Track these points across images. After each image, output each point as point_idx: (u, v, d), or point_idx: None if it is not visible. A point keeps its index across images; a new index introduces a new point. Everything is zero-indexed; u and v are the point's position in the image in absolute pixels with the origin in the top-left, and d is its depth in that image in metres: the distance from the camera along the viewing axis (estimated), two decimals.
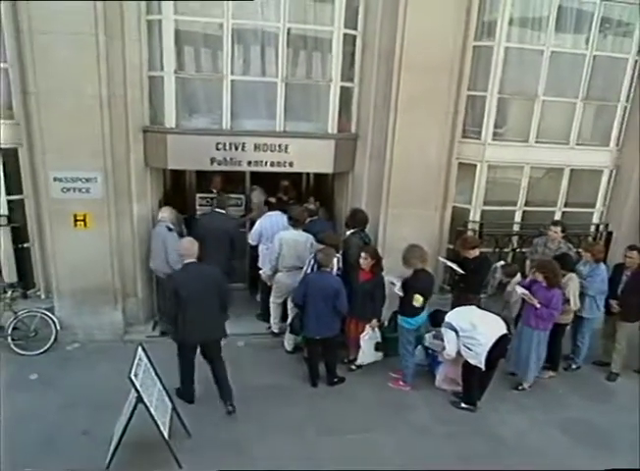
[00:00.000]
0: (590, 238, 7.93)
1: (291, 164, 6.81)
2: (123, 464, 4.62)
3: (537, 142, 7.47)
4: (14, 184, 6.46)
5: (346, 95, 6.90)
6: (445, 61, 6.62)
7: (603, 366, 6.89)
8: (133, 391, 4.50)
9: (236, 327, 7.30)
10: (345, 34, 6.57)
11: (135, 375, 4.48)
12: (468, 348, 5.57)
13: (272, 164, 6.76)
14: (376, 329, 6.31)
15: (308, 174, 9.04)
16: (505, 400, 6.13)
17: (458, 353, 5.67)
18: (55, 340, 6.50)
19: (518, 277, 6.78)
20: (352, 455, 5.09)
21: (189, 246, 5.35)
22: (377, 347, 6.39)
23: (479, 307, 6.04)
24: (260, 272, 7.05)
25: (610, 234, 8.05)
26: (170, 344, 5.60)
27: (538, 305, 5.87)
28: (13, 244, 6.62)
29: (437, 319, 5.93)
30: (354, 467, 4.87)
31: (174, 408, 5.08)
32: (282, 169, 6.85)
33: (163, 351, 5.61)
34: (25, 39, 5.76)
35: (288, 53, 6.50)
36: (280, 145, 6.68)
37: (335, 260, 6.10)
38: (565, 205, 7.89)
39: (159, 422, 4.55)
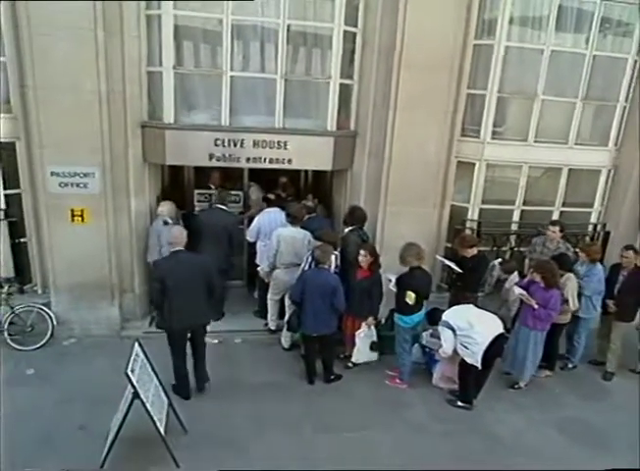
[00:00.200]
0: (588, 238, 7.94)
1: (289, 161, 6.80)
2: (119, 460, 4.62)
3: (536, 142, 7.46)
4: (11, 179, 6.44)
5: (345, 92, 6.89)
6: (445, 59, 6.60)
7: (598, 365, 6.91)
8: (129, 386, 4.49)
9: (233, 323, 7.35)
10: (344, 31, 6.55)
11: (132, 370, 4.47)
12: (465, 347, 5.58)
13: (271, 161, 6.75)
14: (372, 327, 6.32)
15: (307, 171, 9.03)
16: (501, 399, 6.14)
17: (455, 352, 5.68)
18: (52, 335, 6.50)
19: (516, 275, 6.79)
20: (349, 453, 5.10)
21: (178, 235, 5.43)
22: (372, 347, 6.39)
23: (476, 306, 6.05)
24: (258, 269, 7.05)
25: (607, 233, 8.05)
26: (166, 340, 5.60)
27: (536, 306, 5.88)
28: (10, 239, 6.60)
29: (434, 317, 5.94)
30: (351, 466, 4.88)
31: (170, 404, 5.08)
32: (281, 166, 6.84)
33: (159, 347, 5.61)
34: (23, 33, 5.73)
35: (287, 50, 6.49)
36: (279, 142, 6.67)
37: (333, 257, 6.09)
38: (564, 205, 7.89)
39: (155, 418, 4.55)
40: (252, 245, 7.38)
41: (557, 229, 6.88)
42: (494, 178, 7.61)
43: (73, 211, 6.30)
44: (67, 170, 6.15)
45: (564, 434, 5.65)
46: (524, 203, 7.74)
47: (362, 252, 6.13)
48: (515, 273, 6.81)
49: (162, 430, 4.61)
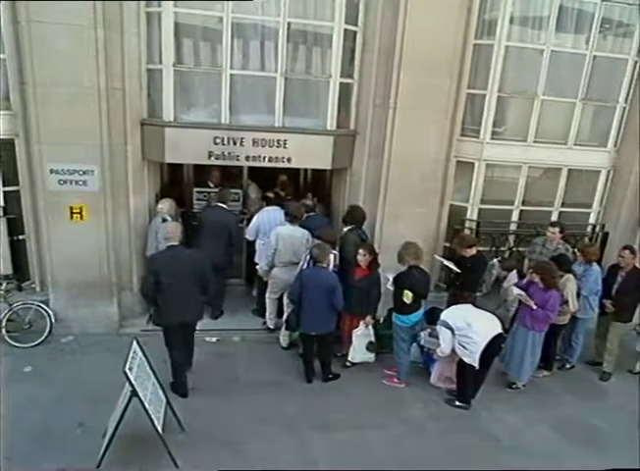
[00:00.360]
0: (586, 239, 7.95)
1: (289, 159, 6.79)
2: (116, 458, 4.61)
3: (535, 142, 7.46)
4: (10, 176, 6.43)
5: (345, 91, 6.89)
6: (445, 59, 6.59)
7: (595, 366, 6.93)
8: (127, 384, 4.49)
9: (231, 322, 7.35)
10: (345, 30, 6.55)
11: (130, 369, 4.46)
12: (463, 347, 5.59)
13: (270, 159, 6.74)
14: (370, 327, 6.32)
15: (306, 170, 9.03)
16: (498, 399, 6.15)
17: (453, 351, 5.68)
18: (50, 332, 6.49)
19: (515, 274, 6.78)
20: (346, 452, 5.11)
21: (174, 229, 5.51)
22: (369, 348, 6.39)
23: (475, 306, 6.06)
24: (257, 267, 7.05)
25: (606, 234, 8.07)
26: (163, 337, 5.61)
27: (534, 306, 5.88)
28: (8, 236, 6.58)
29: (433, 317, 5.94)
30: (349, 465, 4.88)
31: (168, 402, 5.07)
32: (280, 164, 6.84)
33: (158, 345, 5.62)
34: (23, 30, 5.71)
35: (287, 48, 6.48)
36: (278, 141, 6.66)
37: (332, 257, 6.09)
38: (563, 205, 7.89)
39: (153, 416, 4.54)
40: (251, 244, 7.37)
41: (556, 230, 6.88)
42: (493, 178, 7.62)
43: (72, 208, 6.29)
44: (66, 167, 6.13)
45: (562, 433, 5.66)
46: (523, 203, 7.74)
47: (361, 251, 6.13)
48: (514, 272, 6.82)
49: (160, 428, 4.61)
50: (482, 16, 6.85)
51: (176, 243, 5.42)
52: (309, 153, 6.89)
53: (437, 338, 5.82)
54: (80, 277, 6.53)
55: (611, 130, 7.75)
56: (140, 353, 4.88)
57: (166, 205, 6.83)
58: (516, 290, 6.11)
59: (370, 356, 6.44)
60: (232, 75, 6.44)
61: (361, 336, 6.31)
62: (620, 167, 7.90)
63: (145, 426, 4.53)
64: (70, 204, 6.28)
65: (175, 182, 8.34)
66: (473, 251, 6.49)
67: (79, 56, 5.81)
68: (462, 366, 5.73)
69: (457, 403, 5.94)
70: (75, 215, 6.32)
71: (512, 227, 7.79)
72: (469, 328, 5.55)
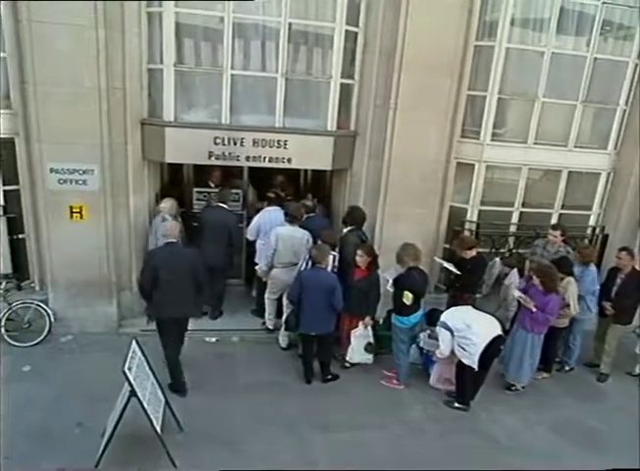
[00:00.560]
0: (586, 241, 7.95)
1: (289, 160, 6.79)
2: (115, 458, 4.61)
3: (536, 144, 7.47)
4: (10, 175, 6.42)
5: (345, 92, 6.89)
6: (445, 60, 6.60)
7: (594, 368, 6.93)
8: (126, 384, 4.48)
9: (230, 322, 7.35)
10: (346, 31, 6.55)
11: (129, 368, 4.46)
12: (462, 348, 5.59)
13: (270, 160, 6.74)
14: (369, 328, 6.32)
15: (306, 170, 9.03)
16: (497, 401, 6.14)
17: (453, 353, 5.68)
18: (49, 331, 6.49)
19: (515, 273, 6.75)
20: (345, 453, 5.10)
21: (172, 227, 5.75)
22: (367, 349, 6.39)
23: (474, 307, 6.06)
24: (256, 267, 7.05)
25: (606, 236, 8.07)
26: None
27: (534, 309, 5.87)
28: (8, 235, 6.58)
29: (433, 318, 5.93)
30: (348, 465, 4.87)
31: (167, 402, 5.07)
32: (280, 165, 6.84)
33: (157, 345, 5.62)
34: (23, 29, 5.72)
35: (288, 48, 6.48)
36: (279, 141, 6.66)
37: (330, 257, 6.08)
38: (563, 207, 7.90)
39: (152, 416, 4.54)
40: (251, 244, 7.37)
41: (557, 233, 6.88)
42: (493, 179, 7.62)
43: (72, 208, 6.29)
44: (66, 166, 6.13)
45: (561, 435, 5.66)
46: (523, 205, 7.75)
47: (359, 252, 6.13)
48: (515, 270, 6.79)
49: (158, 428, 4.60)
50: (483, 17, 6.86)
51: (174, 240, 5.55)
52: (309, 154, 6.89)
53: (436, 339, 5.82)
54: (80, 276, 6.53)
55: (611, 132, 7.76)
56: (140, 353, 4.88)
57: (167, 205, 6.84)
58: (517, 293, 6.11)
59: (368, 357, 6.43)
60: (232, 75, 6.44)
61: (360, 336, 6.31)
62: (621, 169, 7.90)
63: (144, 426, 4.53)
64: (70, 203, 6.28)
65: (175, 181, 8.33)
66: (473, 253, 6.49)
67: (79, 56, 5.81)
68: (462, 368, 5.73)
69: (456, 405, 5.94)
70: (74, 214, 6.32)
71: (512, 228, 7.79)
72: (469, 329, 5.55)
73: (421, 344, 6.32)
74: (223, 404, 5.61)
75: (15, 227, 6.59)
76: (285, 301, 6.65)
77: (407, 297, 5.87)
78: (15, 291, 6.66)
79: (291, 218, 6.60)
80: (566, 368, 6.93)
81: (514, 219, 7.78)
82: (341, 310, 5.99)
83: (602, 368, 6.81)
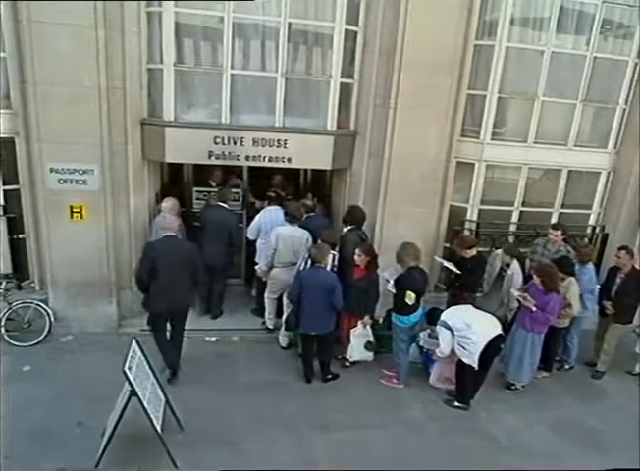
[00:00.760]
0: (586, 240, 7.95)
1: (289, 159, 6.79)
2: (115, 457, 4.61)
3: (536, 143, 7.47)
4: (10, 175, 6.42)
5: (345, 92, 6.89)
6: (445, 59, 6.60)
7: (594, 367, 6.92)
8: (126, 384, 4.48)
9: (230, 322, 7.35)
10: (345, 30, 6.54)
11: (129, 368, 4.46)
12: (462, 347, 5.59)
13: (270, 159, 6.74)
14: (368, 326, 6.32)
15: (306, 170, 9.03)
16: (497, 400, 6.15)
17: (453, 352, 5.68)
18: (49, 331, 6.49)
19: (517, 265, 6.71)
20: (345, 452, 5.10)
21: (171, 221, 5.96)
22: (367, 347, 6.39)
23: (474, 306, 6.06)
24: (256, 267, 7.05)
25: (606, 235, 8.08)
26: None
27: (534, 308, 5.87)
28: (8, 235, 6.58)
29: (434, 317, 5.93)
30: (348, 465, 4.87)
31: (167, 402, 5.07)
32: (280, 164, 6.83)
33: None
34: (23, 29, 5.71)
35: (288, 48, 6.48)
36: (278, 140, 6.66)
37: (330, 257, 6.08)
38: (563, 206, 7.90)
39: (152, 416, 4.54)
40: (251, 244, 7.38)
41: (558, 233, 6.88)
42: (493, 178, 7.62)
43: (72, 208, 6.29)
44: (66, 166, 6.13)
45: (561, 434, 5.66)
46: (523, 204, 7.75)
47: (358, 252, 6.13)
48: (516, 262, 6.76)
49: (159, 428, 4.60)
50: (483, 16, 6.85)
51: (173, 234, 5.72)
52: (309, 153, 6.89)
53: (436, 338, 5.82)
54: (80, 276, 6.53)
55: (611, 131, 7.76)
56: (140, 353, 4.88)
57: (169, 204, 6.84)
58: (517, 293, 6.11)
59: (369, 355, 6.44)
60: (232, 74, 6.44)
61: (359, 335, 6.32)
62: (620, 168, 7.91)
63: (144, 425, 4.53)
64: (70, 203, 6.28)
65: (175, 181, 8.33)
66: (473, 252, 6.49)
67: (79, 55, 5.81)
68: (462, 367, 5.73)
69: (456, 404, 5.94)
70: (75, 214, 6.32)
71: (512, 228, 7.79)
72: (469, 328, 5.55)
73: (421, 343, 6.33)
74: (223, 404, 5.62)
75: (15, 227, 6.59)
76: (285, 301, 6.65)
77: (410, 297, 5.87)
78: (15, 291, 6.65)
79: (290, 217, 6.60)
80: (566, 367, 6.93)
81: (514, 218, 7.78)
82: (340, 309, 5.99)
83: (598, 366, 6.83)
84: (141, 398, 4.47)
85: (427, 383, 6.29)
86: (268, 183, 8.22)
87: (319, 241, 6.18)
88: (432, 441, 5.42)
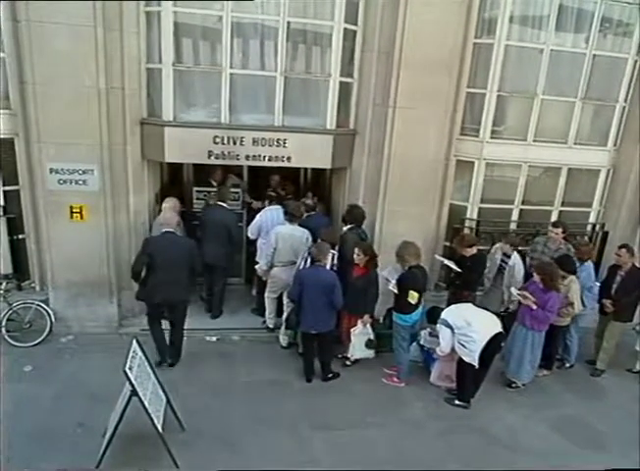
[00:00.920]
0: (586, 238, 7.95)
1: (289, 159, 6.79)
2: (116, 457, 4.62)
3: (535, 141, 7.46)
4: (10, 175, 6.42)
5: (345, 91, 6.88)
6: (445, 58, 6.59)
7: (595, 365, 6.92)
8: (127, 384, 4.49)
9: (231, 321, 7.36)
10: (344, 29, 6.54)
11: (130, 368, 4.46)
12: (463, 346, 5.59)
13: (270, 158, 6.74)
14: (368, 325, 6.32)
15: (306, 169, 9.03)
16: (498, 398, 6.15)
17: (453, 350, 5.69)
18: (50, 331, 6.49)
19: (517, 257, 6.70)
20: (346, 451, 5.11)
21: (170, 217, 6.12)
22: (368, 344, 6.40)
23: (475, 305, 6.06)
24: (256, 266, 7.05)
25: (606, 233, 8.07)
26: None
27: (534, 306, 5.87)
28: (8, 236, 6.58)
29: (434, 316, 5.94)
30: (348, 464, 4.89)
31: (168, 402, 5.07)
32: (280, 163, 6.83)
33: None
34: (22, 29, 5.71)
35: (287, 47, 6.47)
36: (278, 140, 6.65)
37: (330, 256, 6.08)
38: (562, 204, 7.89)
39: (153, 416, 4.54)
40: (251, 243, 7.38)
41: (559, 231, 6.88)
42: (493, 177, 7.61)
43: (72, 208, 6.29)
44: (66, 167, 6.13)
45: (561, 433, 5.66)
46: (523, 202, 7.74)
47: (356, 251, 6.13)
48: (517, 254, 6.75)
49: (160, 427, 4.61)
50: (482, 14, 6.84)
51: (171, 230, 5.90)
52: (309, 152, 6.88)
53: (437, 337, 5.83)
54: (80, 276, 6.53)
55: (610, 129, 7.75)
56: (140, 353, 4.88)
57: (170, 204, 6.86)
58: (515, 291, 6.10)
59: (370, 353, 6.45)
60: (231, 74, 6.43)
61: (360, 334, 6.32)
62: (620, 166, 7.90)
63: (145, 425, 4.53)
64: (70, 204, 6.28)
65: (175, 181, 8.33)
66: (473, 250, 6.49)
67: (78, 55, 5.81)
68: (462, 365, 5.73)
69: (457, 402, 5.95)
70: (74, 214, 6.32)
71: (512, 226, 7.78)
72: (469, 326, 5.55)
73: (422, 342, 6.34)
74: (224, 403, 5.62)
75: (15, 227, 6.60)
76: (285, 300, 6.66)
77: (413, 297, 5.88)
78: (15, 292, 6.67)
79: (290, 217, 6.60)
80: (567, 365, 6.94)
81: (514, 216, 7.78)
82: (340, 308, 5.99)
83: (598, 364, 6.83)
84: (142, 398, 4.48)
85: (428, 381, 6.30)
86: (267, 183, 8.23)
87: (319, 240, 6.18)
88: (433, 439, 5.42)
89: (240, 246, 7.75)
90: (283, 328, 6.73)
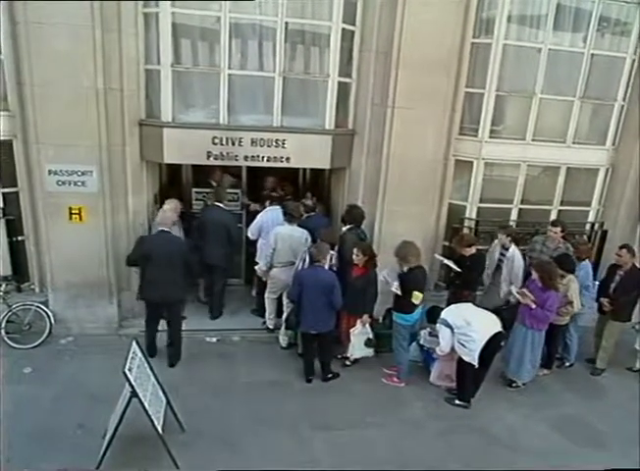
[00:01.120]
0: (585, 237, 7.95)
1: (287, 159, 6.79)
2: (116, 458, 4.62)
3: (534, 140, 7.47)
4: (8, 177, 6.41)
5: (343, 91, 6.88)
6: (443, 58, 6.59)
7: (594, 364, 6.92)
8: (127, 385, 4.48)
9: (231, 322, 7.36)
10: (343, 29, 6.54)
11: (130, 369, 4.46)
12: (462, 345, 5.59)
13: (269, 159, 6.74)
14: (367, 325, 6.32)
15: (305, 169, 9.03)
16: (498, 398, 6.15)
17: (453, 350, 5.69)
18: (49, 333, 6.48)
19: (515, 249, 6.69)
20: (346, 451, 5.11)
21: (167, 217, 6.20)
22: (367, 343, 6.39)
23: (474, 304, 6.06)
24: (255, 267, 7.05)
25: (605, 232, 8.08)
26: (164, 339, 5.59)
27: (533, 305, 5.87)
28: (7, 237, 6.58)
29: (434, 315, 5.94)
30: (348, 465, 4.89)
31: (168, 402, 5.07)
32: (279, 164, 6.83)
33: (157, 345, 5.63)
34: (20, 30, 5.71)
35: (285, 48, 6.47)
36: (277, 140, 6.66)
37: (329, 256, 6.08)
38: (561, 203, 7.90)
39: (153, 417, 4.54)
40: (251, 244, 7.38)
41: (558, 230, 6.88)
42: (492, 176, 7.62)
43: (70, 209, 6.29)
44: (64, 168, 6.13)
45: (562, 432, 5.66)
46: (522, 202, 7.75)
47: (355, 251, 6.13)
48: (514, 247, 6.74)
49: (160, 429, 4.60)
50: (480, 14, 6.85)
51: (166, 229, 6.00)
52: (308, 153, 6.89)
53: (437, 336, 5.83)
54: (80, 277, 6.53)
55: (609, 127, 7.76)
56: (140, 354, 4.88)
57: (172, 205, 6.82)
58: (514, 289, 6.11)
59: (369, 351, 6.44)
60: (230, 75, 6.43)
61: (359, 334, 6.31)
62: (619, 165, 7.90)
63: (145, 426, 4.53)
64: (69, 205, 6.28)
65: (174, 182, 8.33)
66: (473, 250, 6.49)
67: (76, 56, 5.81)
68: (462, 365, 5.74)
69: (457, 402, 5.95)
70: (73, 216, 6.32)
71: (512, 225, 7.77)
72: (469, 326, 5.55)
73: (422, 342, 6.34)
74: (224, 404, 5.62)
75: (14, 229, 6.59)
76: (285, 300, 6.66)
77: (417, 298, 5.88)
78: (15, 293, 6.66)
79: (289, 217, 6.61)
80: (567, 364, 6.94)
81: (514, 216, 7.78)
82: (339, 308, 5.98)
83: (597, 363, 6.84)
84: (142, 399, 4.47)
85: (428, 381, 6.30)
86: (263, 185, 8.22)
87: (318, 241, 6.18)
88: (433, 439, 5.42)
89: (239, 247, 7.74)
90: (283, 328, 6.72)
